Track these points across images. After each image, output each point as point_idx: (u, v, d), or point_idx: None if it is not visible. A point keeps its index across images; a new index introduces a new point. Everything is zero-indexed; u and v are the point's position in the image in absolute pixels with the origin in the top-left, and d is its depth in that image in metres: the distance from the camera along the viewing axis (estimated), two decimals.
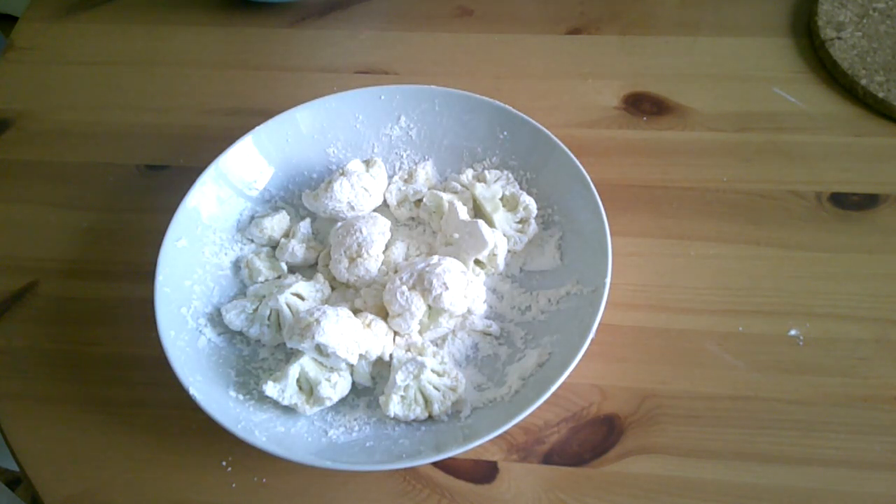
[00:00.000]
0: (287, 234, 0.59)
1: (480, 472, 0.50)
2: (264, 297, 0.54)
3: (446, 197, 0.58)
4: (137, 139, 0.69)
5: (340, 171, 0.58)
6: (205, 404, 0.47)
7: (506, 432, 0.48)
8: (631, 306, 0.56)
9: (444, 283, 0.51)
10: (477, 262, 0.56)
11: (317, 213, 0.59)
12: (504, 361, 0.53)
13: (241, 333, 0.55)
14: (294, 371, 0.49)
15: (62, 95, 0.73)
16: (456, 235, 0.56)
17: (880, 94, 0.64)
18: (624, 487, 0.48)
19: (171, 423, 0.52)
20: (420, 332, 0.53)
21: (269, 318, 0.53)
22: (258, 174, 0.61)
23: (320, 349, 0.49)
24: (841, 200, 0.60)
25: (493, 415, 0.48)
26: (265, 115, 0.61)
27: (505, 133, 0.61)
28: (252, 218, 0.60)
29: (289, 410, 0.50)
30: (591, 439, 0.50)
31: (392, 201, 0.60)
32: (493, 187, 0.59)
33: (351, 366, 0.51)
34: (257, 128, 0.60)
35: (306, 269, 0.59)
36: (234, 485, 0.50)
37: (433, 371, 0.50)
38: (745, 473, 0.48)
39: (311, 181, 0.63)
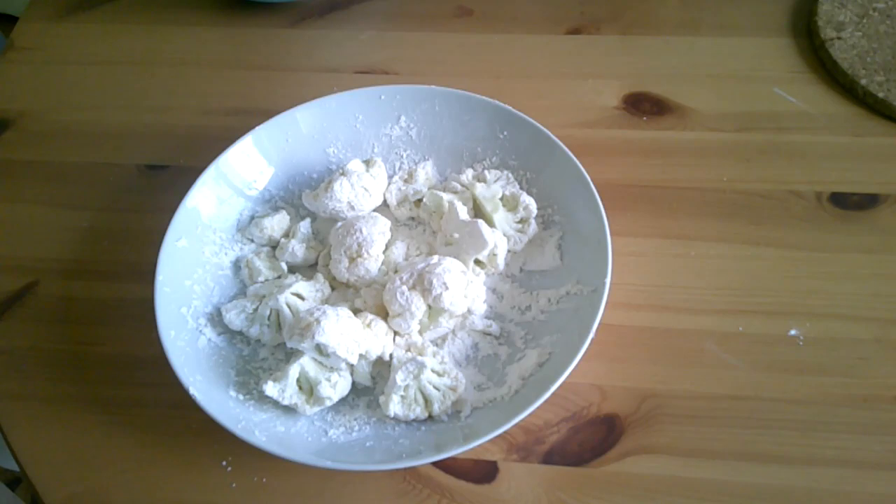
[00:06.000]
0: (287, 234, 0.59)
1: (480, 471, 0.50)
2: (264, 296, 0.54)
3: (446, 197, 0.58)
4: (137, 139, 0.69)
5: (340, 170, 0.58)
6: (205, 404, 0.47)
7: (506, 432, 0.48)
8: (631, 306, 0.56)
9: (444, 283, 0.51)
10: (477, 261, 0.56)
11: (317, 212, 0.59)
12: (504, 361, 0.53)
13: (241, 333, 0.55)
14: (294, 371, 0.49)
15: (62, 95, 0.73)
16: (456, 235, 0.56)
17: (880, 94, 0.64)
18: (624, 487, 0.48)
19: (171, 423, 0.52)
20: (420, 332, 0.53)
21: (269, 318, 0.53)
22: (258, 174, 0.61)
23: (320, 349, 0.49)
24: (841, 200, 0.60)
25: (494, 414, 0.48)
26: (265, 115, 0.61)
27: (505, 133, 0.61)
28: (252, 218, 0.60)
29: (289, 410, 0.50)
30: (591, 439, 0.50)
31: (392, 201, 0.60)
32: (493, 187, 0.59)
33: (351, 366, 0.51)
34: (257, 128, 0.61)
35: (306, 269, 0.59)
36: (234, 485, 0.50)
37: (433, 371, 0.50)
38: (745, 473, 0.48)
39: (312, 181, 0.63)
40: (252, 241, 0.60)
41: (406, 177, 0.61)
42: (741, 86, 0.68)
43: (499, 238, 0.55)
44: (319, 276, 0.56)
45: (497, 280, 0.57)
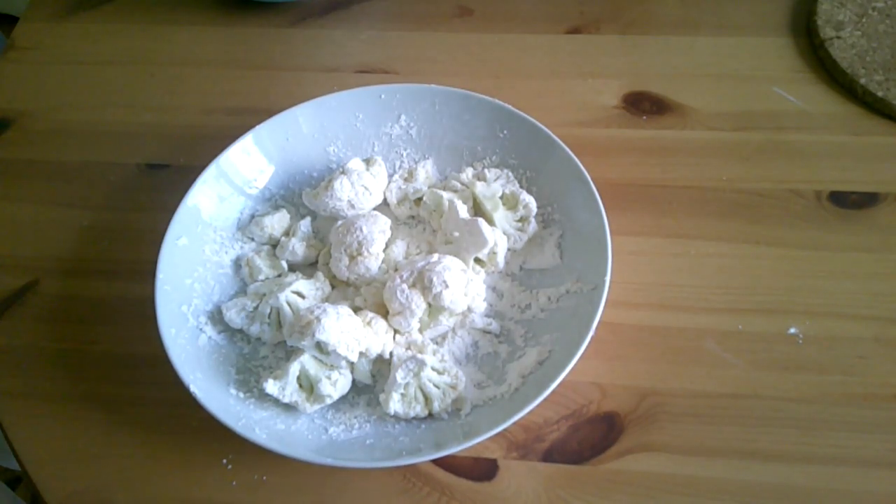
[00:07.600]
0: (287, 233, 0.59)
1: (480, 469, 0.50)
2: (265, 295, 0.54)
3: (446, 195, 0.58)
4: (138, 138, 0.69)
5: (341, 169, 0.58)
6: (205, 402, 0.47)
7: (506, 430, 0.48)
8: (630, 305, 0.56)
9: (444, 282, 0.51)
10: (477, 260, 0.56)
11: (317, 211, 0.59)
12: (504, 359, 0.53)
13: (241, 331, 0.55)
14: (294, 369, 0.50)
15: (62, 95, 0.73)
16: (456, 234, 0.56)
17: (879, 93, 0.65)
18: (623, 485, 0.48)
19: (171, 422, 0.52)
20: (420, 330, 0.53)
21: (269, 316, 0.53)
22: (258, 173, 0.61)
23: (321, 347, 0.49)
24: (840, 199, 0.60)
25: (493, 412, 0.49)
26: (265, 114, 0.61)
27: (505, 132, 0.61)
28: (252, 216, 0.60)
29: (289, 408, 0.50)
30: (591, 437, 0.50)
31: (392, 200, 0.60)
32: (493, 186, 0.59)
33: (351, 364, 0.51)
34: (258, 126, 0.61)
35: (307, 268, 0.59)
36: (234, 482, 0.50)
37: (433, 369, 0.50)
38: (745, 472, 0.48)
39: (312, 180, 0.63)
40: (252, 239, 0.60)
41: (406, 175, 0.62)
42: (741, 85, 0.68)
43: (499, 236, 0.55)
44: (320, 275, 0.57)
45: (497, 278, 0.57)
